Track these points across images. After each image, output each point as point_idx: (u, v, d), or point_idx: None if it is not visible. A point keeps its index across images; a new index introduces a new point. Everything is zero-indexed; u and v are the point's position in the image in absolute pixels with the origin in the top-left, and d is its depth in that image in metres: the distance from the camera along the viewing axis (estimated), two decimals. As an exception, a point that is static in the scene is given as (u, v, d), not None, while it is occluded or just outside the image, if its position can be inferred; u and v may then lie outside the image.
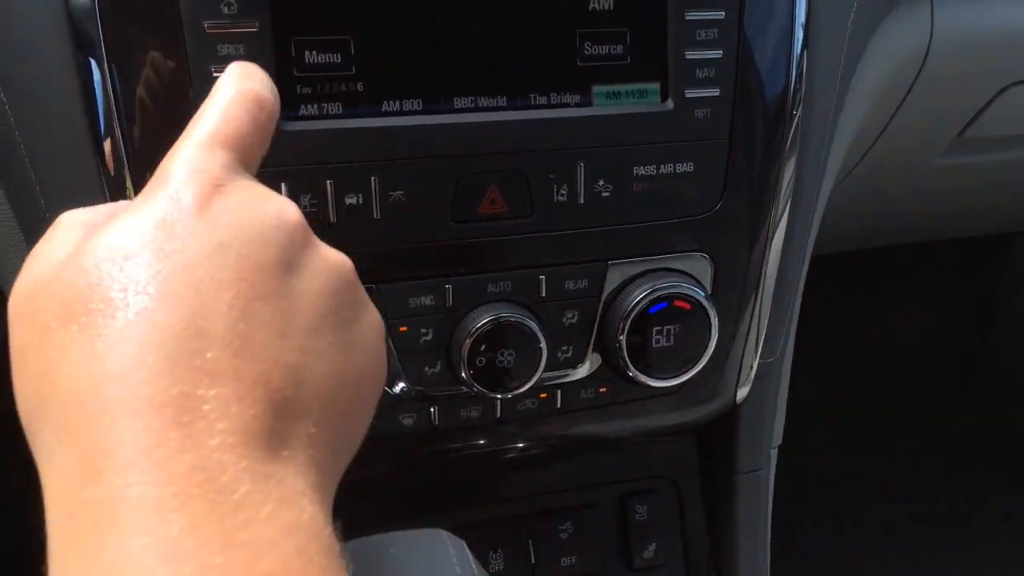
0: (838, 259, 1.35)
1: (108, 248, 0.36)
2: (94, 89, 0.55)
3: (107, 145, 0.56)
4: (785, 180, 0.69)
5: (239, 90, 0.44)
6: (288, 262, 0.39)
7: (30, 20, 0.55)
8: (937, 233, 1.45)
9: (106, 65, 0.55)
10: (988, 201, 1.18)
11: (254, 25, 0.55)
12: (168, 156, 0.41)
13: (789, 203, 0.71)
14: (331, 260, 0.42)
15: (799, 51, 0.67)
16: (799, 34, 0.67)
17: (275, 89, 0.46)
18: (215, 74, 0.54)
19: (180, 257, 0.36)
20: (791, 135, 0.68)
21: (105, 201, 0.55)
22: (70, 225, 0.41)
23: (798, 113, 0.68)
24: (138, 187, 0.56)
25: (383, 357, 0.45)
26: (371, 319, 0.44)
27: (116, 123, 0.56)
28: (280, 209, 0.40)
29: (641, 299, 0.64)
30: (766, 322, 0.74)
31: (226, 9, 0.54)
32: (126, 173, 0.56)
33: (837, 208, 0.88)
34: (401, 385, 0.64)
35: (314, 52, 0.57)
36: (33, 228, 0.60)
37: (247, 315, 0.36)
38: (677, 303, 0.65)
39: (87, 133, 0.56)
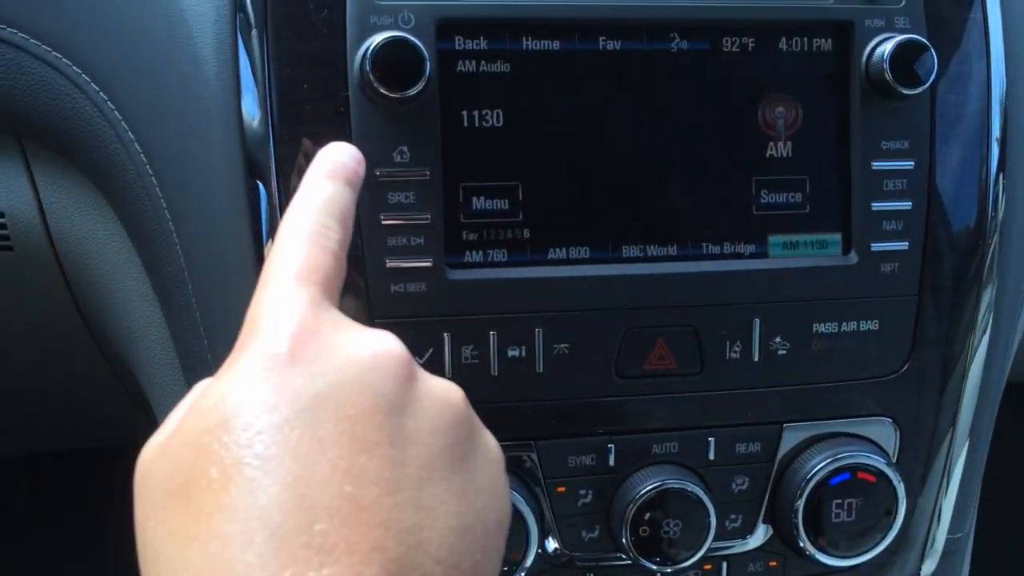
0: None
1: (206, 415, 0.35)
2: (261, 214, 0.55)
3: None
4: (980, 328, 0.63)
5: (305, 224, 0.42)
6: (391, 404, 0.36)
7: (204, 141, 0.56)
8: None
9: (276, 196, 0.54)
10: None
11: (425, 173, 0.54)
12: (253, 301, 0.39)
13: (985, 353, 0.64)
14: (439, 393, 0.39)
15: (995, 174, 0.62)
16: (995, 151, 0.62)
17: (356, 167, 0.47)
18: (383, 221, 0.54)
19: (276, 416, 0.34)
20: (986, 273, 0.62)
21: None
22: (195, 389, 0.40)
23: (994, 242, 0.62)
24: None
25: (504, 490, 0.41)
26: (486, 450, 0.40)
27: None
28: (374, 349, 0.38)
29: (820, 468, 0.59)
30: (956, 492, 0.66)
31: (399, 157, 0.53)
32: None
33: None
34: (555, 546, 0.60)
35: (482, 198, 0.56)
36: (188, 349, 0.60)
37: (352, 474, 0.34)
38: (860, 475, 0.59)
39: (251, 260, 0.55)
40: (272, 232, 0.54)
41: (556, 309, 0.56)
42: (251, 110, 0.54)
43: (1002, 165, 0.62)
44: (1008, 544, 1.42)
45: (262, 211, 0.55)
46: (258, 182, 0.54)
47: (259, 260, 0.55)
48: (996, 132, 0.62)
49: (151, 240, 0.60)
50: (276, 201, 0.54)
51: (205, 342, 0.58)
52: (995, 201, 0.62)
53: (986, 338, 0.63)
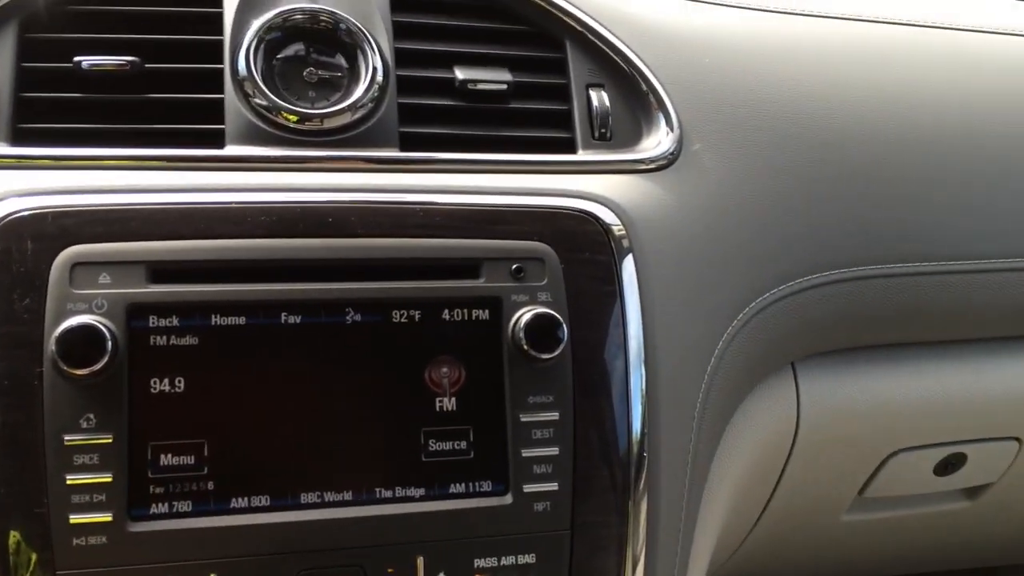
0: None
1: None
2: None
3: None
4: (630, 562, 0.71)
5: None
6: None
7: None
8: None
9: None
10: (899, 551, 1.18)
11: (108, 437, 0.61)
12: None
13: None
14: None
15: (639, 422, 0.72)
16: (639, 403, 0.72)
17: None
18: (68, 481, 0.60)
19: None
20: (631, 508, 0.71)
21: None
22: None
23: (644, 505, 0.72)
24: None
25: None
26: None
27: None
28: None
29: None
30: None
31: (85, 424, 0.61)
32: None
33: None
34: None
35: (169, 455, 0.63)
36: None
37: None
38: None
39: None
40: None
41: (231, 556, 0.63)
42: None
43: (646, 415, 0.73)
44: None
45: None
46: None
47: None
48: (640, 386, 0.73)
49: None
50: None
51: None
52: (641, 444, 0.72)
53: (640, 570, 0.72)
